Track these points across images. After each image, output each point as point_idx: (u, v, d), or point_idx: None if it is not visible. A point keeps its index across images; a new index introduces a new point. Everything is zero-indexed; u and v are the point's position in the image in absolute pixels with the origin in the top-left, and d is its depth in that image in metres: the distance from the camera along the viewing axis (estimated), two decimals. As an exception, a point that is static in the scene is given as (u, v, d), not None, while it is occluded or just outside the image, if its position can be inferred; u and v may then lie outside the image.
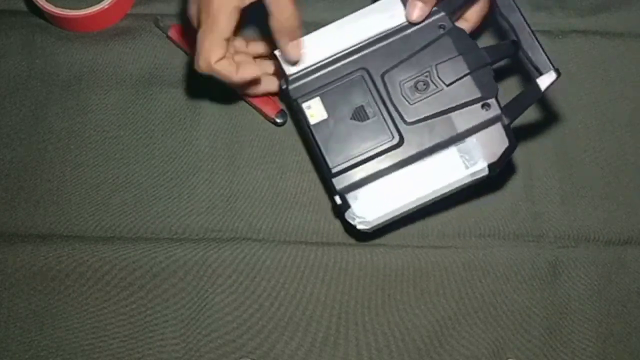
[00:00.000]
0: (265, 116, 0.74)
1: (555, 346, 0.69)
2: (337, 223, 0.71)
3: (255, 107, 0.74)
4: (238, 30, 0.64)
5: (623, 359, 0.69)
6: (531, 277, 0.70)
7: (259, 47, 0.72)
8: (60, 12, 0.74)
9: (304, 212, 0.72)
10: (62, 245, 0.69)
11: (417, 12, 0.64)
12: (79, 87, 0.75)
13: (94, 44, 0.76)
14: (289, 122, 0.74)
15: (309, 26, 0.67)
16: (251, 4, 0.62)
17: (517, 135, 0.64)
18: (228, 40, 0.63)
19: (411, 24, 0.65)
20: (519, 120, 0.74)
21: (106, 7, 0.75)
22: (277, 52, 0.66)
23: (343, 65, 0.65)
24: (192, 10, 0.64)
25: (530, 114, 0.75)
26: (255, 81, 0.69)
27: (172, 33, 0.75)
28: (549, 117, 0.76)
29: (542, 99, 0.76)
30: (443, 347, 0.68)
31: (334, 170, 0.63)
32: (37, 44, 0.76)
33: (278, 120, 0.73)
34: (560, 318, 0.69)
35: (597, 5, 0.79)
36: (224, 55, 0.63)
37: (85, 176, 0.72)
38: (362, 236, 0.69)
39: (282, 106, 0.74)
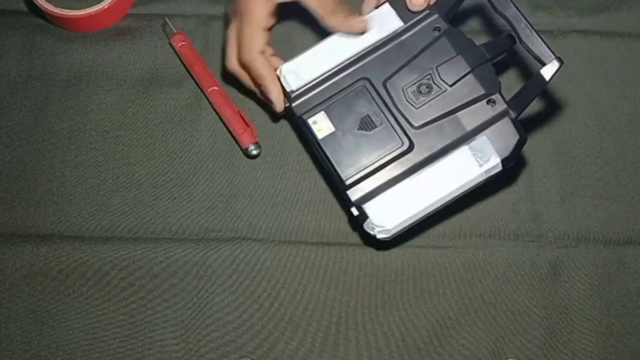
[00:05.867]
0: (239, 145, 0.73)
1: (555, 346, 0.69)
2: (337, 223, 0.71)
3: (231, 133, 0.73)
4: (272, 27, 0.67)
5: (623, 359, 0.69)
6: (531, 277, 0.70)
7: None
8: (60, 12, 0.74)
9: (304, 212, 0.72)
10: (62, 245, 0.69)
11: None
12: (79, 87, 0.75)
13: (94, 44, 0.76)
14: (289, 125, 0.74)
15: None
16: (285, 4, 0.65)
17: (517, 134, 0.64)
18: (265, 31, 0.65)
19: (407, 29, 0.65)
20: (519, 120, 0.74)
21: (106, 7, 0.75)
22: (277, 72, 0.66)
23: (344, 77, 0.65)
24: (230, 8, 0.67)
25: (530, 114, 0.75)
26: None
27: (174, 40, 0.75)
28: (549, 117, 0.76)
29: (542, 99, 0.76)
30: (443, 347, 0.68)
31: (347, 182, 0.63)
32: (37, 44, 0.76)
33: (253, 152, 0.72)
34: (560, 318, 0.69)
35: (597, 5, 0.79)
36: (263, 46, 0.65)
37: (85, 176, 0.72)
38: (382, 244, 0.69)
39: (258, 138, 0.72)
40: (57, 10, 0.74)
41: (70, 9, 0.75)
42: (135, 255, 0.69)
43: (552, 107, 0.76)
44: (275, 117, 0.74)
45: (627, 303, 0.70)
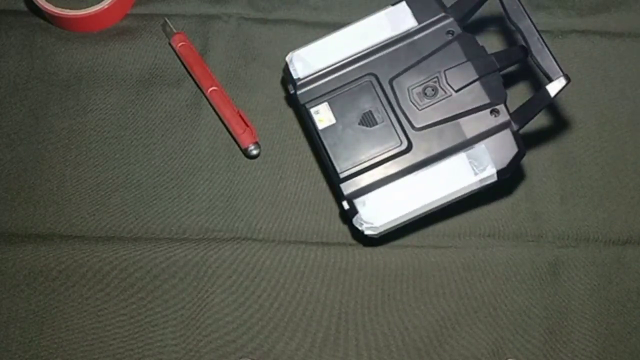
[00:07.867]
0: (239, 145, 0.72)
1: (555, 346, 0.69)
2: (337, 223, 0.71)
3: (230, 133, 0.73)
4: None
5: (623, 359, 0.69)
6: (531, 277, 0.70)
7: None
8: (60, 12, 0.74)
9: (304, 212, 0.72)
10: (62, 245, 0.69)
11: None
12: (79, 87, 0.75)
13: (94, 44, 0.76)
14: (296, 122, 0.74)
15: (327, 27, 0.67)
16: None
17: (517, 136, 0.64)
18: None
19: (420, 29, 0.65)
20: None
21: (106, 7, 0.75)
22: (287, 58, 0.66)
23: (351, 70, 0.65)
24: None
25: (530, 114, 0.75)
26: None
27: (174, 40, 0.75)
28: (549, 117, 0.76)
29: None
30: (443, 347, 0.68)
31: (342, 176, 0.63)
32: (37, 44, 0.76)
33: (252, 152, 0.72)
34: (560, 318, 0.69)
35: (597, 5, 0.79)
36: None
37: (85, 176, 0.72)
38: (370, 241, 0.69)
39: (257, 138, 0.72)
40: (57, 10, 0.74)
41: (70, 9, 0.75)
42: (135, 255, 0.69)
43: (552, 107, 0.76)
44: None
45: (627, 303, 0.70)
